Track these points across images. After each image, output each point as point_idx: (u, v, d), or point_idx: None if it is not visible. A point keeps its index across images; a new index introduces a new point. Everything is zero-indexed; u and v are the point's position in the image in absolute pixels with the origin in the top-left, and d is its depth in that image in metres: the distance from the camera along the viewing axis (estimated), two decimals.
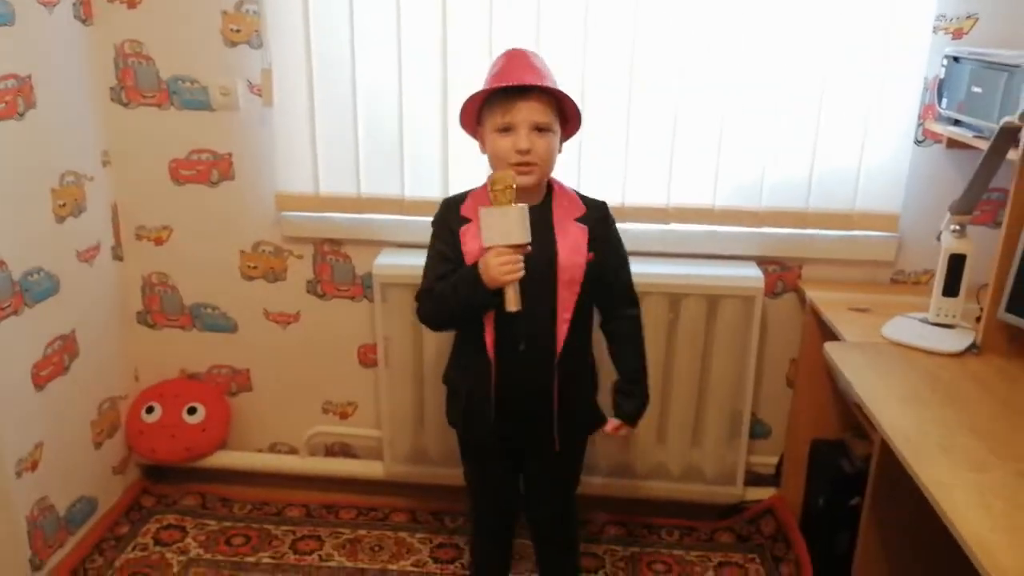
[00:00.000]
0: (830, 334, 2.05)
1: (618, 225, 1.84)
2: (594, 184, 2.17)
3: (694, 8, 2.10)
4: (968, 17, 2.07)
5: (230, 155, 2.37)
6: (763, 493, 2.50)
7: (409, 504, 2.56)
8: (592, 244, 1.72)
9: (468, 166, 2.18)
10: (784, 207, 2.25)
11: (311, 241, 2.44)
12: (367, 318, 2.47)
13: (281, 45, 2.23)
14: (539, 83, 1.62)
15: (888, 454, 1.54)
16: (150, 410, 2.54)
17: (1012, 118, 1.62)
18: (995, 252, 1.75)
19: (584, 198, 1.78)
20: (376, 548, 2.39)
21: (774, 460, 2.51)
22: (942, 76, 2.03)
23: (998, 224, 2.19)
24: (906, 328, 1.92)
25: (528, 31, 2.13)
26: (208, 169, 2.39)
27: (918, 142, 2.19)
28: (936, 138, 2.17)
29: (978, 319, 1.83)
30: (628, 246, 1.85)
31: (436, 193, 2.27)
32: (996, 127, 1.67)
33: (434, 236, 1.78)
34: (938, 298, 1.89)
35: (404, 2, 2.16)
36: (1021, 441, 1.46)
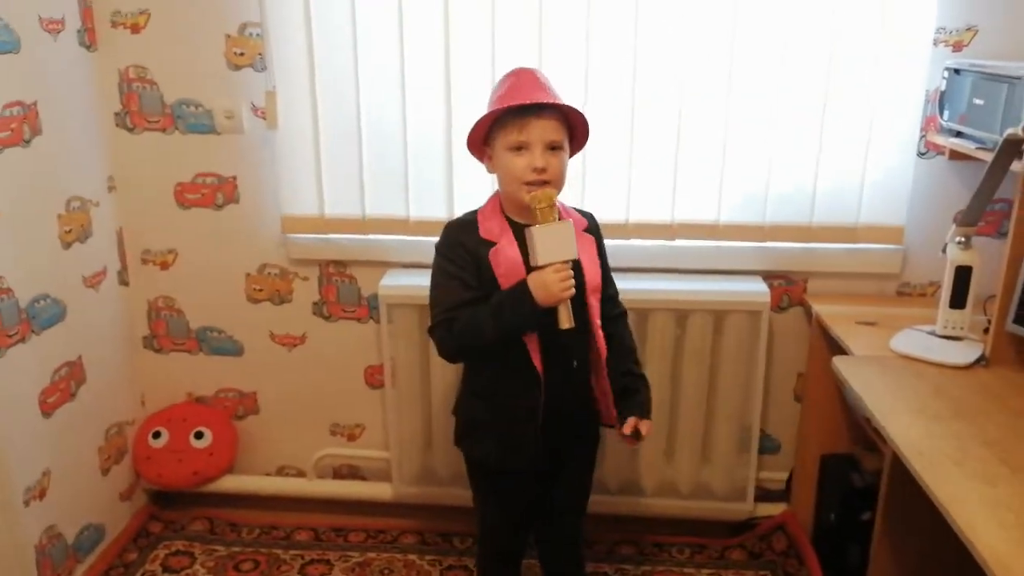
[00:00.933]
0: (837, 348, 2.04)
1: (623, 241, 1.92)
2: (598, 201, 2.17)
3: (696, 23, 2.11)
4: (968, 29, 2.08)
5: (235, 178, 2.38)
6: (774, 509, 2.48)
7: (418, 526, 2.55)
8: (598, 251, 1.78)
9: (472, 186, 2.20)
10: (788, 221, 2.26)
11: (316, 263, 2.44)
12: (373, 339, 2.47)
13: (285, 68, 2.24)
14: (553, 101, 1.62)
15: (900, 468, 1.53)
16: (157, 435, 2.54)
17: (1016, 130, 1.63)
18: (1001, 263, 1.75)
19: (579, 211, 1.81)
20: (386, 571, 2.37)
21: (784, 475, 2.50)
22: (943, 88, 2.04)
23: (1002, 235, 2.19)
24: (914, 341, 1.91)
25: (531, 49, 2.14)
26: (213, 193, 2.40)
27: (921, 154, 2.19)
28: (939, 150, 2.18)
29: (986, 331, 1.83)
30: (633, 262, 1.95)
31: (441, 213, 2.28)
32: (999, 138, 1.68)
33: (446, 262, 1.70)
34: (945, 310, 1.89)
35: (407, 24, 2.17)
36: None
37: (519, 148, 1.63)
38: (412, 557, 2.43)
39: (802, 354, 2.37)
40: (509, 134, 1.63)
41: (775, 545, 2.41)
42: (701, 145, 2.20)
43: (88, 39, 2.26)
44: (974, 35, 2.08)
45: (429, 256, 1.77)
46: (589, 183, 2.22)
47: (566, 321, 1.58)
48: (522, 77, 1.67)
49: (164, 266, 2.50)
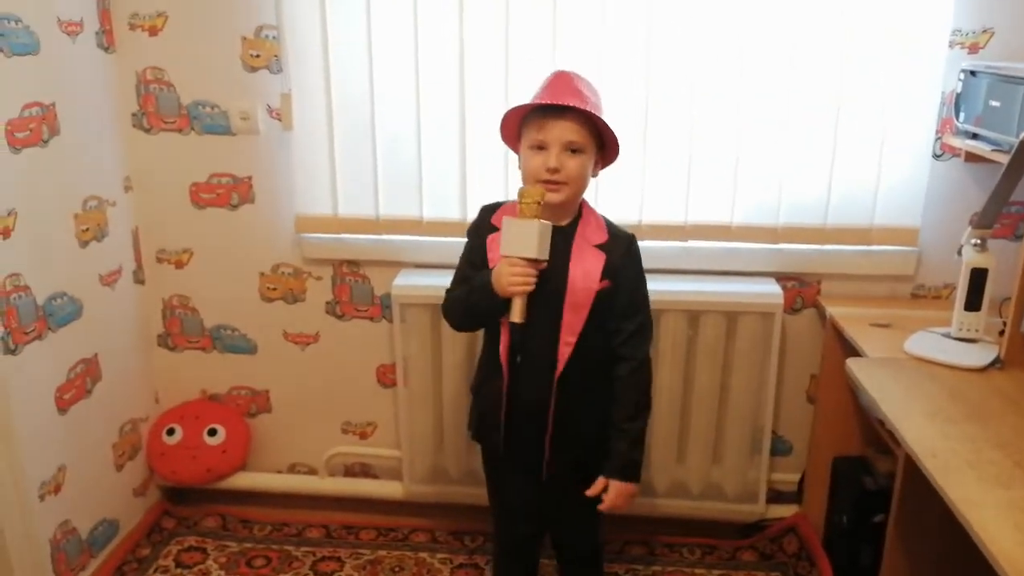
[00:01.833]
0: (851, 350, 2.04)
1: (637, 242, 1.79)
2: (612, 203, 2.17)
3: (711, 25, 2.11)
4: (984, 31, 2.07)
5: (250, 179, 2.40)
6: (785, 511, 2.48)
7: (429, 524, 2.56)
8: (608, 273, 1.69)
9: (486, 187, 2.21)
10: (803, 223, 2.25)
11: (330, 262, 2.46)
12: (386, 338, 2.48)
13: (300, 69, 2.25)
14: (576, 104, 1.62)
15: (913, 471, 1.52)
16: (171, 432, 2.56)
17: None
18: (1017, 265, 1.74)
19: (611, 226, 1.75)
20: (397, 569, 2.38)
21: (796, 477, 2.49)
22: (959, 90, 2.03)
23: (1018, 237, 2.18)
24: (928, 343, 1.91)
25: (544, 49, 2.15)
26: (228, 193, 2.42)
27: (936, 156, 2.18)
28: (954, 152, 2.17)
29: (1001, 333, 1.82)
30: (646, 264, 1.78)
31: (454, 214, 2.29)
32: (1015, 141, 1.67)
33: (467, 242, 1.83)
34: (960, 312, 1.88)
35: (422, 26, 2.18)
36: None
37: (539, 147, 1.65)
38: (423, 555, 2.44)
39: (815, 356, 2.37)
40: (531, 132, 1.66)
41: (786, 547, 2.40)
42: (714, 146, 2.20)
43: (106, 41, 2.29)
44: (990, 37, 2.07)
45: (442, 256, 1.81)
46: (602, 185, 2.21)
47: (516, 315, 1.64)
48: (557, 78, 1.69)
49: (179, 265, 2.52)
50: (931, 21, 2.06)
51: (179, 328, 2.58)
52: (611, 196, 2.22)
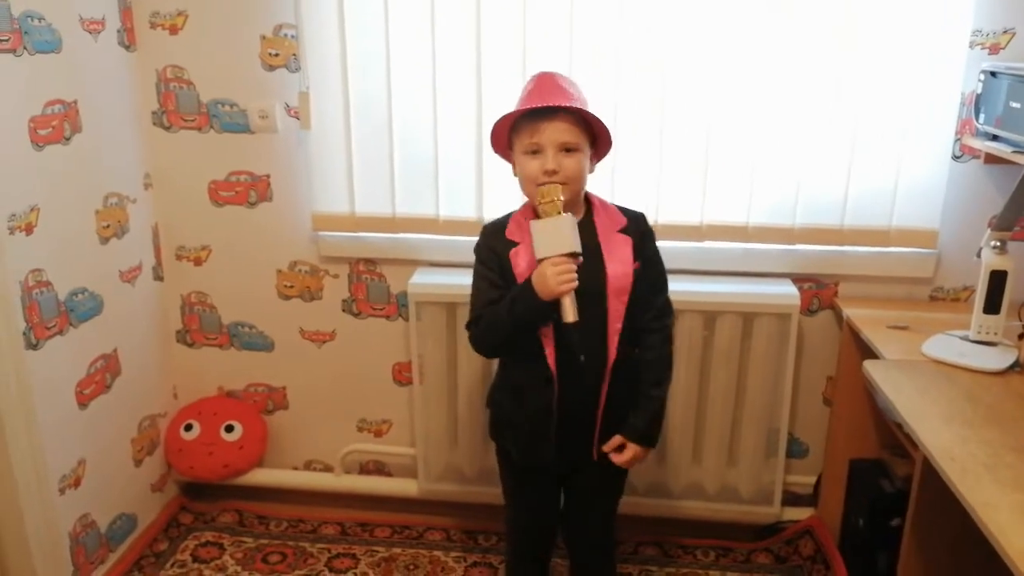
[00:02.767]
0: (868, 352, 2.02)
1: None
2: (628, 203, 2.15)
3: (728, 25, 2.10)
4: (1005, 32, 2.06)
5: (268, 177, 2.42)
6: (801, 513, 2.47)
7: (443, 522, 2.56)
8: (637, 254, 1.73)
9: (502, 185, 2.20)
10: (820, 224, 2.24)
11: (347, 260, 2.47)
12: (402, 336, 2.49)
13: (318, 68, 2.27)
14: (564, 104, 1.62)
15: (931, 474, 1.51)
16: (188, 428, 2.58)
17: None
18: None
19: (624, 210, 1.78)
20: (411, 567, 2.39)
21: (812, 480, 2.48)
22: (979, 91, 2.01)
23: None
24: (947, 346, 1.89)
25: (562, 52, 2.15)
26: (246, 191, 2.44)
27: (956, 157, 2.17)
28: (974, 153, 2.15)
29: (1020, 336, 1.80)
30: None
31: (470, 213, 2.29)
32: None
33: (479, 263, 1.77)
34: (979, 315, 1.87)
35: (440, 26, 2.19)
36: None
37: (534, 151, 1.64)
38: (437, 553, 2.45)
39: (832, 358, 2.36)
40: (524, 137, 1.65)
41: (802, 550, 2.39)
42: (731, 146, 2.20)
43: (127, 39, 2.31)
44: (1011, 38, 2.06)
45: (458, 255, 1.80)
46: (618, 185, 2.22)
47: (570, 315, 1.60)
48: (541, 81, 1.68)
49: (198, 262, 2.54)
50: (951, 21, 2.05)
51: (197, 324, 2.60)
52: (627, 196, 2.21)
